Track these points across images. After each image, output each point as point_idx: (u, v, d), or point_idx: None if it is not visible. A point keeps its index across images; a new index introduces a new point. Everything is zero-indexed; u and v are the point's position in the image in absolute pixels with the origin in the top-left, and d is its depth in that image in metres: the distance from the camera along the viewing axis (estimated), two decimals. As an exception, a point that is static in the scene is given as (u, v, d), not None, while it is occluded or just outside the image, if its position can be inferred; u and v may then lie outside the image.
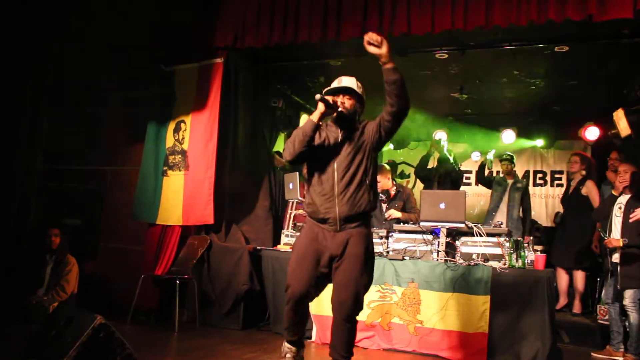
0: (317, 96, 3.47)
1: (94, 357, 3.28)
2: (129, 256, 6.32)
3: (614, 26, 5.03)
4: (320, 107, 3.48)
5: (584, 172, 6.35)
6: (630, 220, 4.73)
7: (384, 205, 6.01)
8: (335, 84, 3.64)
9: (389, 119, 3.45)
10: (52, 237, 5.78)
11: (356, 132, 3.57)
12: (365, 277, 3.45)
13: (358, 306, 3.44)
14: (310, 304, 3.66)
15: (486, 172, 7.60)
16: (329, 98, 3.51)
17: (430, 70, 6.69)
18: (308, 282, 3.44)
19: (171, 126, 6.21)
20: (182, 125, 6.13)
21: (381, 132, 3.51)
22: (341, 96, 3.57)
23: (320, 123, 3.54)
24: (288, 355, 3.66)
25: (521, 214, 7.06)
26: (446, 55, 6.10)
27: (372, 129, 3.54)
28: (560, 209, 7.12)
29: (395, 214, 5.82)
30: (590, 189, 6.24)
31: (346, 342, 3.48)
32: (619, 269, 4.86)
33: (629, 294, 4.74)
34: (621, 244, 4.83)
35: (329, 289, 3.61)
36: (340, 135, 3.57)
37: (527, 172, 9.16)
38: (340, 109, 3.52)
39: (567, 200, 6.49)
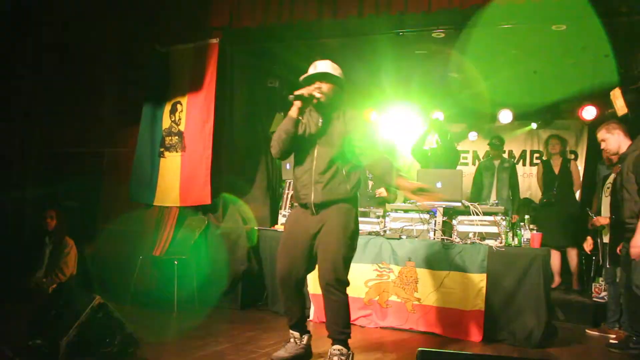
0: (290, 97, 3.50)
1: (93, 336, 3.32)
2: (127, 237, 6.32)
3: (612, 5, 5.01)
4: (297, 103, 3.51)
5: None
6: None
7: (370, 183, 6.08)
8: (311, 69, 3.63)
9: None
10: (48, 219, 5.79)
11: (337, 119, 3.59)
12: (343, 248, 3.47)
13: (338, 275, 3.44)
14: (307, 283, 3.71)
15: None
16: (303, 91, 3.51)
17: (426, 49, 6.66)
18: (290, 261, 3.56)
19: (167, 107, 6.19)
20: (179, 106, 6.11)
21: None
22: (317, 82, 3.57)
23: (300, 118, 3.57)
24: (291, 341, 3.69)
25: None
26: (443, 34, 6.07)
27: (353, 135, 3.55)
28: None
29: (383, 192, 5.91)
30: (575, 168, 6.63)
31: (340, 318, 3.49)
32: (608, 247, 4.91)
33: (621, 272, 4.78)
34: (608, 222, 4.88)
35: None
36: (320, 122, 3.60)
37: (524, 152, 9.17)
38: (318, 97, 3.52)
39: (555, 179, 6.59)
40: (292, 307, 3.64)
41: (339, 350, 3.48)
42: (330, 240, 3.47)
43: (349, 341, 3.57)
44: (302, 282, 3.66)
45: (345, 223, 3.52)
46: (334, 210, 3.53)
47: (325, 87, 3.56)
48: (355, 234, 3.60)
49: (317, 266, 3.55)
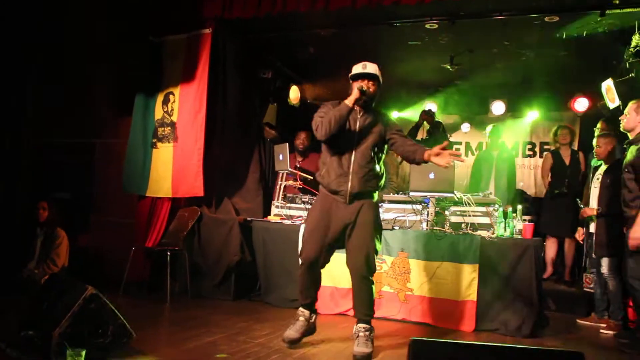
0: (359, 86, 3.78)
1: (86, 327, 3.31)
2: (119, 229, 6.31)
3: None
4: (356, 93, 3.79)
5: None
6: None
7: None
8: (359, 68, 3.91)
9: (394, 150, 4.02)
10: (40, 210, 5.77)
11: (375, 119, 3.94)
12: (374, 242, 3.86)
13: (370, 266, 3.83)
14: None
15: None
16: (363, 84, 3.83)
17: (420, 40, 6.65)
18: (319, 249, 3.87)
19: (160, 98, 6.16)
20: (171, 97, 6.08)
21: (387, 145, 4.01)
22: (366, 81, 3.88)
23: (355, 108, 3.87)
24: (301, 318, 3.97)
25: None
26: (436, 26, 6.05)
27: (387, 130, 3.94)
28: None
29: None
30: (582, 160, 6.59)
31: (366, 301, 3.88)
32: (594, 238, 4.95)
33: (605, 262, 4.84)
34: (595, 213, 4.92)
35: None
36: (362, 120, 3.92)
37: (516, 144, 9.18)
38: (368, 95, 3.86)
39: (567, 170, 6.60)
40: (312, 288, 3.98)
41: (364, 327, 3.84)
42: (365, 235, 3.82)
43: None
44: (324, 267, 4.00)
45: (375, 219, 3.92)
46: (367, 205, 3.87)
47: (372, 88, 3.89)
48: (381, 227, 4.05)
49: (349, 256, 3.88)
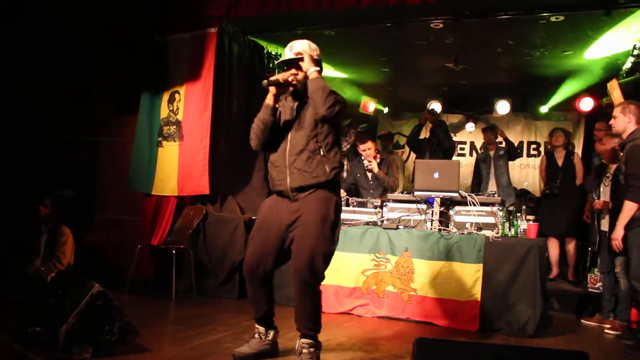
0: (264, 83, 3.36)
1: (92, 324, 3.34)
2: (124, 227, 6.34)
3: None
4: (272, 90, 3.38)
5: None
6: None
7: (369, 175, 6.08)
8: (287, 51, 3.48)
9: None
10: (41, 207, 5.76)
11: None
12: (322, 243, 3.24)
13: (314, 273, 3.22)
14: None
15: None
16: (279, 77, 3.38)
17: (425, 40, 6.65)
18: (260, 253, 3.39)
19: (165, 97, 6.18)
20: (177, 95, 6.10)
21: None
22: (293, 69, 3.42)
23: (277, 106, 3.44)
24: (256, 336, 3.54)
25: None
26: (441, 25, 6.06)
27: None
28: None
29: (375, 168, 5.83)
30: (578, 161, 6.68)
31: (310, 313, 3.32)
32: (607, 236, 4.94)
33: (619, 262, 4.82)
34: (610, 207, 4.91)
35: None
36: (295, 106, 3.46)
37: (521, 143, 9.19)
38: (294, 83, 3.39)
39: (559, 171, 6.63)
40: (259, 300, 3.49)
41: (308, 343, 3.34)
42: (307, 234, 3.25)
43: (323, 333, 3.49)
44: (270, 275, 3.46)
45: (324, 214, 3.29)
46: (313, 198, 3.31)
47: (301, 73, 3.39)
48: (335, 225, 3.35)
49: (292, 260, 3.32)
